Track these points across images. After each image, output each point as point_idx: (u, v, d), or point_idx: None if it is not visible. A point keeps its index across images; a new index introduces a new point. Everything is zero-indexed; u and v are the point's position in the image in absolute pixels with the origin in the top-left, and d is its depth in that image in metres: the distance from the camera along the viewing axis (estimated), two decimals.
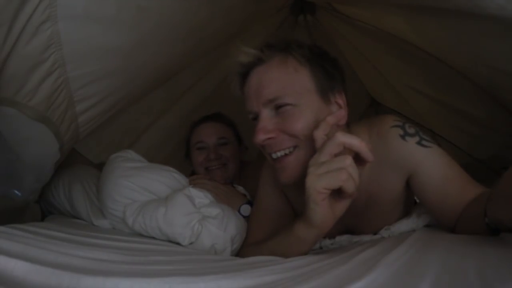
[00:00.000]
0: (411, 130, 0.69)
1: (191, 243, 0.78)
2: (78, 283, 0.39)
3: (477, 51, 0.85)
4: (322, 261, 0.55)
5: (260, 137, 0.68)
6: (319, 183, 0.57)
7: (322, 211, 0.59)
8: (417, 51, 1.13)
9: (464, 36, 0.83)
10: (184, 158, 1.32)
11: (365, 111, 1.94)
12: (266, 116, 0.69)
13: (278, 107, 0.68)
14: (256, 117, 0.71)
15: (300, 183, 0.71)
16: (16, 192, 0.80)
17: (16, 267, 0.39)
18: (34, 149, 0.80)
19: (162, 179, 0.91)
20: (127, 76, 0.93)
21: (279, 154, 0.70)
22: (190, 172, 1.29)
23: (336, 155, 0.58)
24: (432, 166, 0.67)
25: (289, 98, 0.67)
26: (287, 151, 0.69)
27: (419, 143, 0.68)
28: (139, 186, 0.87)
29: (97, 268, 0.45)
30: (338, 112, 0.68)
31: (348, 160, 0.56)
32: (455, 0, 0.68)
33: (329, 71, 0.71)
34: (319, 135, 0.62)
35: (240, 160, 1.26)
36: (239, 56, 0.72)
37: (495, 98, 1.05)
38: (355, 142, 0.57)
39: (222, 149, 1.20)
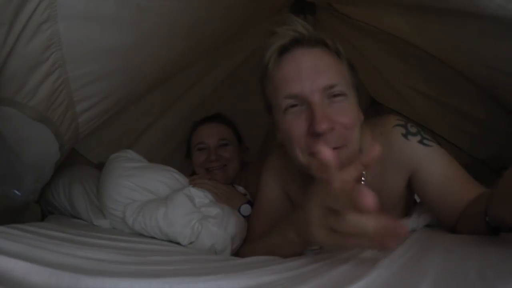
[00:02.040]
0: (413, 129, 0.70)
1: (191, 243, 0.78)
2: (78, 283, 0.39)
3: (477, 51, 0.85)
4: (322, 261, 0.55)
5: (324, 125, 0.61)
6: (327, 240, 0.48)
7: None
8: (417, 51, 1.13)
9: (464, 36, 0.83)
10: (184, 159, 1.32)
11: (365, 111, 1.94)
12: (322, 103, 0.64)
13: (332, 96, 0.65)
14: (295, 104, 0.65)
15: (307, 182, 0.71)
16: (16, 192, 0.80)
17: (16, 267, 0.39)
18: (34, 149, 0.80)
19: (162, 179, 0.91)
20: (127, 76, 0.93)
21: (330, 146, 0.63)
22: (191, 172, 1.29)
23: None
24: (433, 164, 0.67)
25: (343, 87, 0.65)
26: (340, 145, 0.65)
27: (420, 142, 0.68)
28: (139, 186, 0.87)
29: (97, 268, 0.45)
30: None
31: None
32: (455, 0, 0.68)
33: (356, 72, 0.72)
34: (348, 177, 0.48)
35: (241, 160, 1.26)
36: (299, 29, 0.67)
37: (495, 98, 1.05)
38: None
39: (222, 150, 1.21)
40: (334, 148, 0.63)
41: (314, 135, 0.62)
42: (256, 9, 1.22)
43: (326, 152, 0.45)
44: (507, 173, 0.46)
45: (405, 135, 0.69)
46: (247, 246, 0.83)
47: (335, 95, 0.65)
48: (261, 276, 0.46)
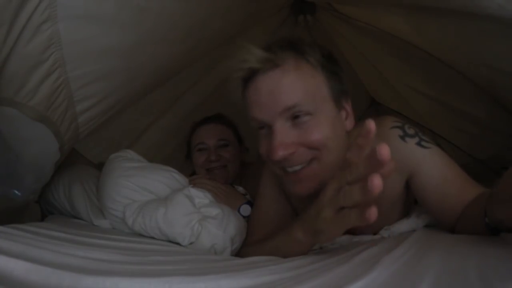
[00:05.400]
0: (411, 131, 0.69)
1: (191, 243, 0.78)
2: (78, 283, 0.39)
3: (477, 51, 0.85)
4: (322, 261, 0.55)
5: (280, 153, 0.61)
6: (332, 222, 0.51)
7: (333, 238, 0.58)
8: (417, 51, 1.13)
9: (464, 36, 0.83)
10: (185, 159, 1.32)
11: (365, 111, 1.94)
12: (282, 128, 0.63)
13: (295, 117, 0.63)
14: (263, 126, 0.66)
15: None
16: (16, 192, 0.80)
17: (16, 267, 0.39)
18: (34, 149, 0.80)
19: (162, 179, 0.91)
20: (127, 76, 0.93)
21: (296, 168, 0.65)
22: (191, 172, 1.29)
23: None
24: (432, 166, 0.67)
25: (308, 106, 0.63)
26: (304, 164, 0.65)
27: (418, 144, 0.68)
28: (139, 186, 0.87)
29: (97, 268, 0.45)
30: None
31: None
32: (456, 0, 0.68)
33: (340, 76, 0.69)
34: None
35: (241, 161, 1.26)
36: (247, 59, 0.64)
37: (495, 98, 1.05)
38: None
39: (222, 150, 1.21)
40: (302, 168, 0.65)
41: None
42: (256, 9, 1.22)
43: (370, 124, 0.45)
44: (507, 173, 0.46)
45: (402, 137, 0.68)
46: (248, 247, 0.83)
47: (298, 116, 0.63)
48: (261, 276, 0.46)
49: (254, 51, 0.64)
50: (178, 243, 0.78)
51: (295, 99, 0.62)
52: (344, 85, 0.71)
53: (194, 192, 0.85)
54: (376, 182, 0.40)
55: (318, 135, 0.63)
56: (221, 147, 1.21)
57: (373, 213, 0.42)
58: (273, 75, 0.64)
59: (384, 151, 0.40)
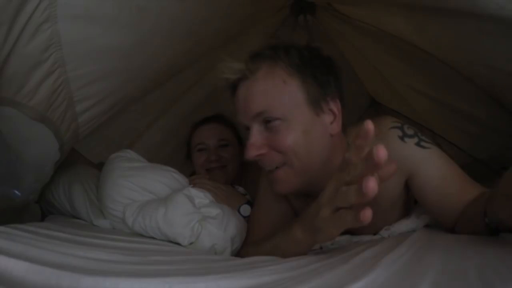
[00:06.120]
0: (410, 131, 0.69)
1: (191, 243, 0.78)
2: (78, 283, 0.39)
3: (477, 51, 0.85)
4: (322, 261, 0.55)
5: (251, 153, 0.69)
6: (329, 222, 0.52)
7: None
8: (417, 51, 1.13)
9: (464, 36, 0.83)
10: (185, 159, 1.32)
11: (365, 111, 1.94)
12: (256, 131, 0.69)
13: (267, 122, 0.67)
14: (248, 128, 0.71)
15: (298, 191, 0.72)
16: (16, 192, 0.80)
17: (16, 267, 0.39)
18: (34, 149, 0.80)
19: (162, 179, 0.91)
20: (127, 76, 0.93)
21: (269, 168, 0.71)
22: (191, 172, 1.30)
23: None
24: (431, 167, 0.67)
25: (277, 111, 0.66)
26: (277, 165, 0.70)
27: (418, 144, 0.68)
28: (139, 186, 0.87)
29: (97, 268, 0.45)
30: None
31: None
32: (455, 0, 0.68)
33: (321, 78, 0.69)
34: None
35: (241, 161, 1.27)
36: (224, 71, 0.71)
37: (495, 98, 1.05)
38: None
39: (222, 151, 1.21)
40: (275, 168, 0.70)
41: None
42: (256, 9, 1.22)
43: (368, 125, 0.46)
44: (506, 174, 0.46)
45: (401, 137, 0.68)
46: (248, 247, 0.83)
47: (269, 121, 0.67)
48: (261, 276, 0.46)
49: (229, 64, 0.71)
50: (178, 243, 0.78)
51: (263, 107, 0.67)
52: (329, 88, 0.70)
53: (194, 192, 0.85)
54: (371, 185, 0.41)
55: (286, 140, 0.67)
56: (221, 147, 1.21)
57: (367, 215, 0.43)
58: (246, 84, 0.70)
59: (381, 152, 0.40)
